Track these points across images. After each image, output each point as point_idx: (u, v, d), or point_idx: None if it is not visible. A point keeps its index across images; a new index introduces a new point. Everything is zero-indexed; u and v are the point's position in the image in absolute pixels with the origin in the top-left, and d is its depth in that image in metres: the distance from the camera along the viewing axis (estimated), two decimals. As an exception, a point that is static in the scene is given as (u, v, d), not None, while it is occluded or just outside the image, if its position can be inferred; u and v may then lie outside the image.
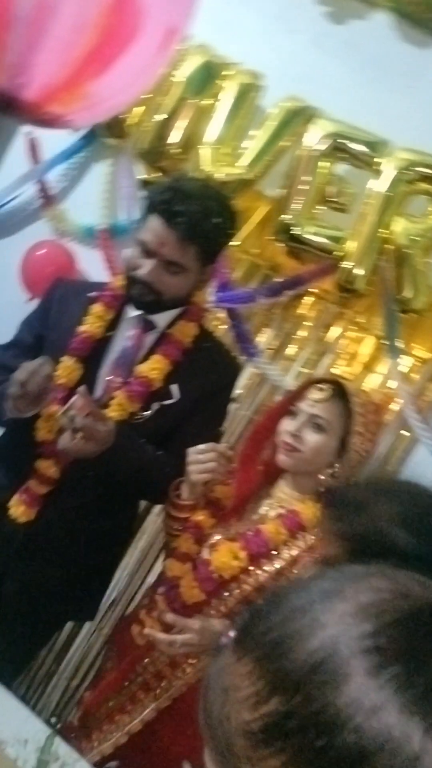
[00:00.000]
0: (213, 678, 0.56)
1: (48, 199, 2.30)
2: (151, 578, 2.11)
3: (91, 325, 1.61)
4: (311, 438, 1.51)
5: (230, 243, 1.72)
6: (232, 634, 0.57)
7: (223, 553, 1.49)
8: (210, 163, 1.96)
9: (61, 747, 1.44)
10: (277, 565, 1.48)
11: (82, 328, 1.61)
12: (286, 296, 2.07)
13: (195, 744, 0.59)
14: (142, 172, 2.14)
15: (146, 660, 1.56)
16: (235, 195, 1.96)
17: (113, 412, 1.56)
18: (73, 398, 1.43)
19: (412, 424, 1.94)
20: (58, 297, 1.72)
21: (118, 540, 1.86)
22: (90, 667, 2.20)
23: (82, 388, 1.46)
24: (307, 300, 2.08)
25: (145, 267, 1.53)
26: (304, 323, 2.09)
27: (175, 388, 1.61)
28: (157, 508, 2.05)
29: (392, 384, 1.97)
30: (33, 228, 2.31)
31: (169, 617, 1.43)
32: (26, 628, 1.75)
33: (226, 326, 2.11)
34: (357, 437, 1.50)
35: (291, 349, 2.10)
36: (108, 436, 1.46)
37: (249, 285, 2.10)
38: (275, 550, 1.49)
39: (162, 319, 1.64)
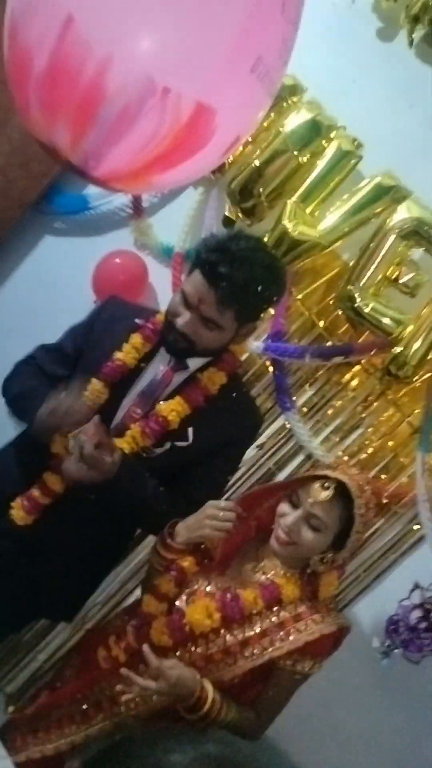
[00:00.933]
0: None
1: (137, 211, 2.37)
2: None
3: (126, 354, 1.67)
4: (306, 535, 1.53)
5: (273, 305, 1.78)
6: (75, 764, 0.62)
7: (199, 610, 1.54)
8: (290, 218, 1.98)
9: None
10: (247, 634, 1.52)
11: (118, 355, 1.67)
12: (334, 361, 2.09)
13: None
14: (228, 209, 2.19)
15: (104, 684, 1.62)
16: (307, 255, 2.00)
17: (125, 444, 1.61)
18: (87, 425, 1.48)
19: (422, 519, 1.92)
20: (106, 316, 1.78)
21: (111, 554, 1.93)
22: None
23: (96, 417, 1.52)
24: (354, 370, 2.09)
25: (183, 318, 1.58)
26: (346, 392, 2.10)
27: (190, 431, 1.64)
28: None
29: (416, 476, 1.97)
30: (116, 235, 2.39)
31: (152, 660, 1.45)
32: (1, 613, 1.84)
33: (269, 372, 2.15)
34: (355, 537, 1.53)
35: (325, 414, 2.11)
36: (112, 468, 1.51)
37: (302, 341, 2.13)
38: (248, 619, 1.53)
39: (194, 361, 1.68)
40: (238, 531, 1.63)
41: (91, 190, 2.39)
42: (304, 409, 2.13)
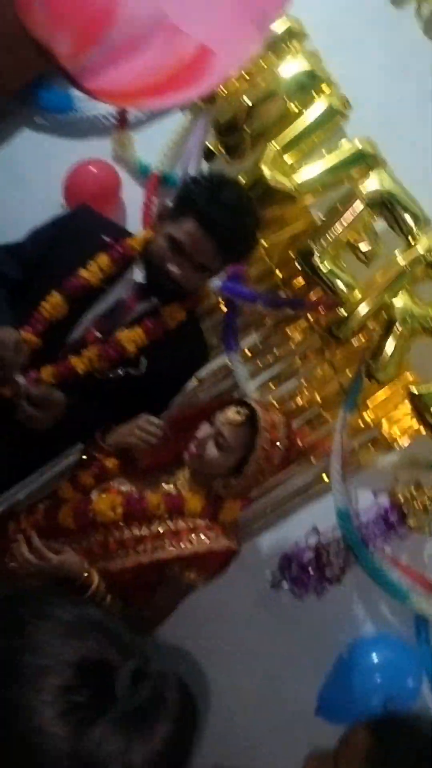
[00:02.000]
0: None
1: (122, 123, 2.35)
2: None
3: (92, 273, 1.70)
4: (210, 451, 1.66)
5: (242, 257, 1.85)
6: None
7: (105, 501, 1.66)
8: (269, 164, 2.01)
9: None
10: (143, 533, 1.64)
11: (83, 272, 1.70)
12: (283, 312, 2.17)
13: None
14: (211, 140, 2.19)
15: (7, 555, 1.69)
16: (277, 204, 2.04)
17: (81, 364, 1.67)
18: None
19: (332, 473, 2.06)
20: (74, 226, 1.79)
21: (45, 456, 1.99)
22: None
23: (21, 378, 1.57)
24: (300, 324, 2.18)
25: (178, 267, 1.64)
26: (288, 343, 2.19)
27: (143, 361, 1.71)
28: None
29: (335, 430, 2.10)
30: (96, 143, 2.37)
31: (35, 542, 1.58)
32: None
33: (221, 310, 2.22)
34: (254, 465, 1.64)
35: (265, 360, 2.20)
36: (58, 408, 1.60)
37: (257, 286, 2.19)
38: (148, 520, 1.65)
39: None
40: (164, 448, 1.75)
41: (80, 92, 2.35)
42: (247, 352, 2.21)
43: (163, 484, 1.73)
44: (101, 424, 1.74)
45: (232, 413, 1.66)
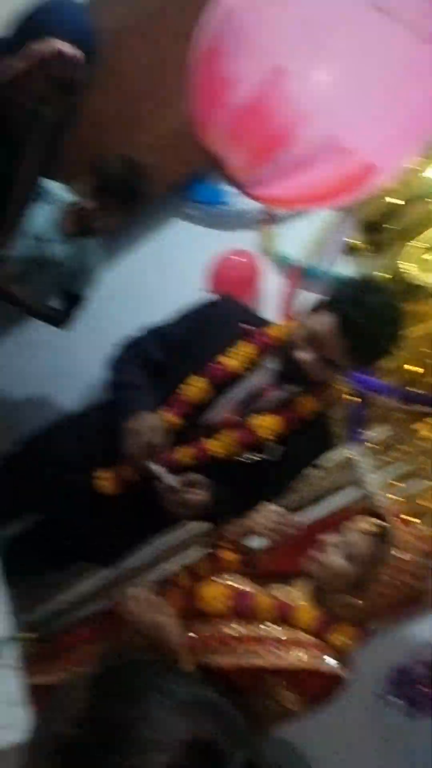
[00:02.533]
0: (63, 687, 0.70)
1: (270, 217, 2.47)
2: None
3: (235, 361, 1.74)
4: (334, 559, 1.54)
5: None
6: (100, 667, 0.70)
7: (213, 591, 1.60)
8: (410, 260, 2.03)
9: (8, 653, 1.62)
10: (245, 632, 1.54)
11: (227, 360, 1.74)
12: (413, 408, 2.12)
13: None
14: (354, 237, 2.25)
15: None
16: (414, 299, 2.04)
17: (217, 447, 1.71)
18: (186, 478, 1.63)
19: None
20: (219, 314, 1.84)
21: (165, 523, 2.00)
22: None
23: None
24: (430, 421, 2.11)
25: (308, 357, 1.65)
26: (415, 440, 2.12)
27: (278, 450, 1.72)
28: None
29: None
30: (242, 234, 2.50)
31: (144, 593, 1.58)
32: (48, 551, 2.00)
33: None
34: (380, 587, 1.49)
35: (391, 456, 2.14)
36: (202, 505, 1.65)
37: (388, 379, 2.16)
38: (254, 621, 1.55)
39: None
40: (287, 555, 1.69)
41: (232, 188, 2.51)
42: (371, 446, 2.16)
43: (278, 590, 1.63)
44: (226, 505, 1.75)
45: (364, 521, 1.57)
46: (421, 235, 2.07)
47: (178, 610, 1.61)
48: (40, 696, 1.55)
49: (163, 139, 2.54)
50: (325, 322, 1.63)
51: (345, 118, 1.29)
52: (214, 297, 1.94)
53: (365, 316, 1.59)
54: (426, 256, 2.05)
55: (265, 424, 1.71)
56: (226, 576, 1.66)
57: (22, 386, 2.82)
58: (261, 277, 2.43)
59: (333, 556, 1.55)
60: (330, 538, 1.58)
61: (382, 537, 1.53)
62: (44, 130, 1.82)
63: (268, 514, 1.66)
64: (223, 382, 1.75)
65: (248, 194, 1.50)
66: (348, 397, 2.19)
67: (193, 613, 1.60)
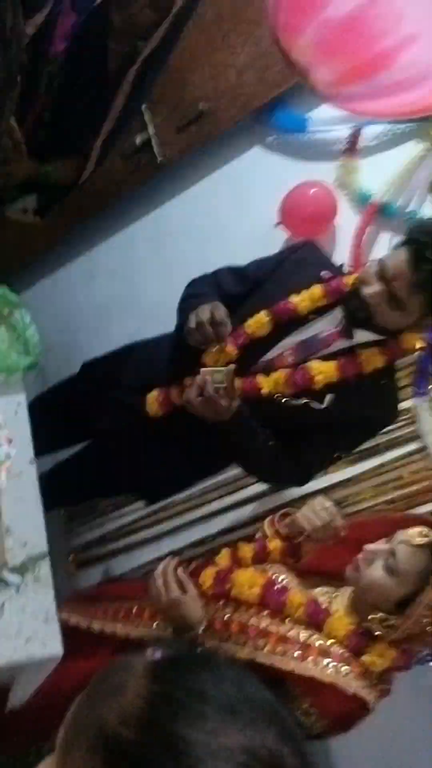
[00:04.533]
0: (119, 668, 0.65)
1: (352, 149, 2.30)
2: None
3: (301, 300, 1.66)
4: (376, 572, 1.41)
5: None
6: (158, 654, 0.65)
7: (246, 576, 1.55)
8: None
9: (44, 569, 1.66)
10: (270, 628, 1.46)
11: (293, 298, 1.66)
12: None
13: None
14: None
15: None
16: None
17: (267, 384, 1.63)
18: (224, 368, 1.51)
19: None
20: (297, 258, 1.77)
21: (211, 466, 2.00)
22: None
23: (231, 366, 1.53)
24: None
25: (372, 289, 1.54)
26: None
27: (329, 398, 1.63)
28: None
29: None
30: (322, 165, 2.34)
31: (171, 566, 1.54)
32: (100, 478, 2.02)
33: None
34: (423, 608, 1.35)
35: (456, 414, 2.01)
36: (225, 413, 1.53)
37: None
38: (281, 617, 1.47)
39: (362, 335, 1.64)
40: (335, 553, 1.59)
41: (315, 115, 2.35)
42: (437, 401, 2.04)
43: (317, 591, 1.54)
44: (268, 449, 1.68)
45: (415, 534, 1.41)
46: None
47: (208, 589, 1.58)
48: (69, 634, 1.58)
49: (247, 62, 2.42)
50: (398, 255, 1.53)
51: None
52: (297, 242, 1.84)
53: None
54: None
55: (322, 369, 1.61)
56: (268, 565, 1.60)
57: (90, 317, 2.82)
58: (336, 212, 2.28)
59: (374, 567, 1.41)
60: (375, 546, 1.44)
61: None
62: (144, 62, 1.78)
63: (318, 509, 1.57)
64: (289, 324, 1.67)
65: (329, 102, 1.40)
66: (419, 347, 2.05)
67: (224, 596, 1.55)
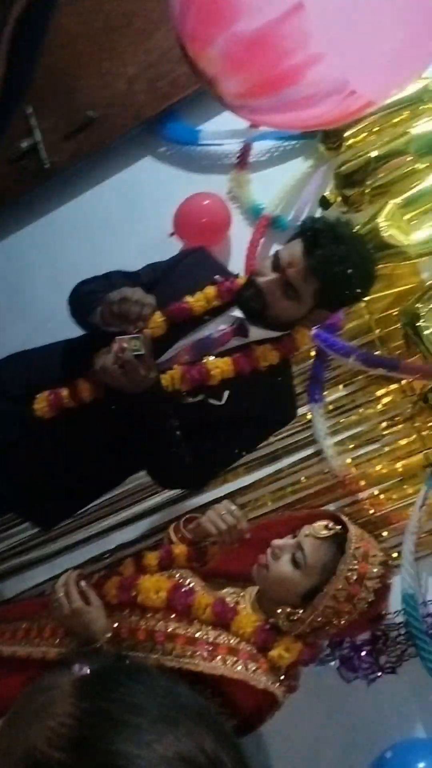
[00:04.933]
0: (42, 688, 0.60)
1: (243, 163, 2.36)
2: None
3: (196, 301, 1.66)
4: (283, 566, 1.45)
5: (354, 302, 1.78)
6: (85, 669, 0.61)
7: (152, 582, 1.53)
8: (387, 218, 1.95)
9: None
10: (177, 630, 1.45)
11: (188, 299, 1.67)
12: (376, 371, 2.07)
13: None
14: (329, 190, 2.16)
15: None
16: (390, 260, 1.97)
17: (162, 381, 1.60)
18: (140, 335, 1.47)
19: (404, 552, 1.91)
20: (191, 262, 1.77)
21: (107, 481, 1.92)
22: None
23: (148, 332, 1.51)
24: (391, 387, 2.07)
25: (267, 277, 1.58)
26: (376, 404, 2.08)
27: (226, 394, 1.63)
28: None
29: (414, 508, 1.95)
30: (214, 178, 2.38)
31: (72, 577, 1.50)
32: None
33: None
34: (329, 600, 1.40)
35: (349, 418, 2.09)
36: (143, 382, 1.48)
37: (353, 341, 2.10)
38: (188, 619, 1.47)
39: (256, 333, 1.66)
40: (240, 555, 1.60)
41: (206, 128, 2.38)
42: (331, 407, 2.11)
43: (223, 592, 1.56)
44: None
45: (319, 527, 1.47)
46: (401, 193, 1.99)
47: (112, 598, 1.54)
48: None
49: (137, 72, 2.42)
50: (291, 246, 1.57)
51: (356, 60, 1.23)
52: (190, 248, 1.84)
53: (332, 236, 1.52)
54: (406, 216, 1.97)
55: (218, 365, 1.62)
56: (174, 570, 1.59)
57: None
58: (229, 223, 2.32)
59: (282, 562, 1.45)
60: (282, 541, 1.48)
61: (339, 546, 1.43)
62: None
63: (222, 512, 1.57)
64: (185, 325, 1.66)
65: (233, 112, 1.42)
66: (310, 354, 2.13)
67: (129, 604, 1.52)
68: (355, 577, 1.39)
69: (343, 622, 1.42)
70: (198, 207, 2.31)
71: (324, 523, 1.48)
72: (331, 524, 1.47)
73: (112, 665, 0.64)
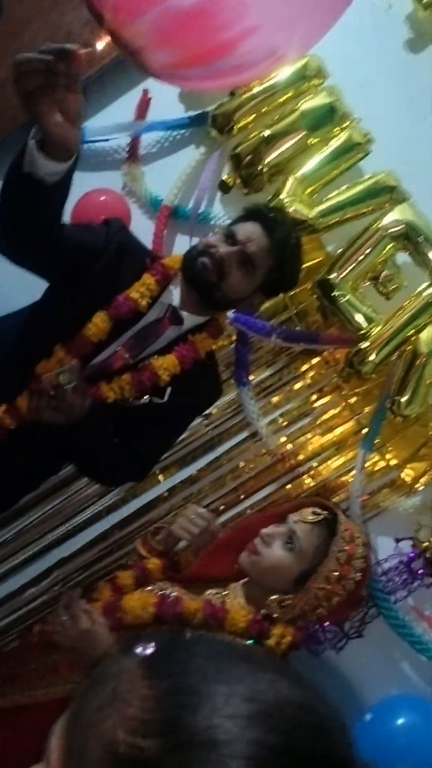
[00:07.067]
0: (108, 674, 0.55)
1: (133, 156, 2.31)
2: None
3: (140, 296, 1.57)
4: (277, 551, 1.49)
5: (287, 290, 1.85)
6: (151, 648, 0.55)
7: (136, 599, 1.49)
8: (288, 193, 1.97)
9: None
10: None
11: (132, 294, 1.57)
12: (298, 347, 2.09)
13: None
14: (227, 174, 2.16)
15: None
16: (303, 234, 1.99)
17: (111, 392, 1.54)
18: (66, 367, 1.41)
19: (352, 515, 1.94)
20: (120, 240, 1.64)
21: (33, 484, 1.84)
22: None
23: (74, 361, 1.45)
24: (314, 361, 2.10)
25: (226, 249, 1.56)
26: (302, 379, 2.10)
27: (168, 391, 1.61)
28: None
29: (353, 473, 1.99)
30: (106, 175, 2.32)
31: (73, 596, 1.45)
32: None
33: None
34: (321, 582, 1.45)
35: (277, 397, 2.11)
36: (79, 413, 1.43)
37: (271, 320, 2.11)
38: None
39: (190, 320, 1.63)
40: (217, 559, 1.61)
41: (90, 125, 2.32)
42: (258, 389, 2.12)
43: (208, 594, 1.55)
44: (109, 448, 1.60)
45: (308, 512, 1.54)
46: (299, 168, 2.02)
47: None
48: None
49: (7, 77, 2.31)
50: (245, 227, 1.60)
51: (285, 27, 1.24)
52: (112, 221, 1.71)
53: (284, 222, 1.67)
54: (308, 191, 2.00)
55: (164, 365, 1.58)
56: (152, 585, 1.57)
57: None
58: (129, 218, 2.27)
59: (275, 548, 1.49)
60: (272, 529, 1.52)
61: (328, 529, 1.50)
62: None
63: (192, 516, 1.59)
64: (126, 320, 1.58)
65: (152, 75, 1.39)
66: (233, 339, 2.12)
67: (118, 627, 1.46)
68: (345, 558, 1.46)
69: (333, 602, 1.47)
70: (94, 204, 2.24)
71: (311, 509, 1.55)
72: (318, 510, 1.55)
73: (174, 639, 0.59)
